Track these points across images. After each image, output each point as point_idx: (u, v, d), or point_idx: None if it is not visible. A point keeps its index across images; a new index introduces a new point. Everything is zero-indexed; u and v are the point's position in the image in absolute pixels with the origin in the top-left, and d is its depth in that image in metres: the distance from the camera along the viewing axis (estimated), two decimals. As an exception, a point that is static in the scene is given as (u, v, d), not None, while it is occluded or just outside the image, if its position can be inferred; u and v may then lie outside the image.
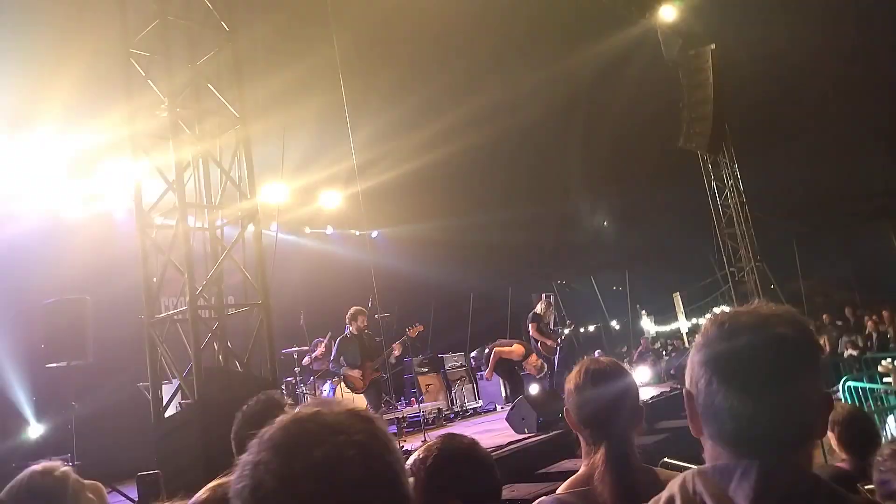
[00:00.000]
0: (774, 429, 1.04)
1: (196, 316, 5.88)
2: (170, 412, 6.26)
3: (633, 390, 1.94)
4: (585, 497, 1.83)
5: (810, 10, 14.23)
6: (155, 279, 6.35)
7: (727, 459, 1.07)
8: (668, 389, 10.27)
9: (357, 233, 15.77)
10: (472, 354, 10.55)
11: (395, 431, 9.47)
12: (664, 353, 14.22)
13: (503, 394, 11.73)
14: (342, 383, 8.44)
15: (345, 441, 0.90)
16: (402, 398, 12.02)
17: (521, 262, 18.28)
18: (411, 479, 1.81)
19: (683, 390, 1.17)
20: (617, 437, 1.85)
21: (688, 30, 13.80)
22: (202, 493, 1.48)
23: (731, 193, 15.19)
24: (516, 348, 8.93)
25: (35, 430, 8.56)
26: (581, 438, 1.92)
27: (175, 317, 6.41)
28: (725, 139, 14.76)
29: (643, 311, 17.61)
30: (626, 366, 2.06)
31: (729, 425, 1.06)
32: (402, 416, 10.30)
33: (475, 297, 16.09)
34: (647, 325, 17.27)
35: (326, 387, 9.75)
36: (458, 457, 1.87)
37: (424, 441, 2.80)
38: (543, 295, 10.34)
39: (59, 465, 2.19)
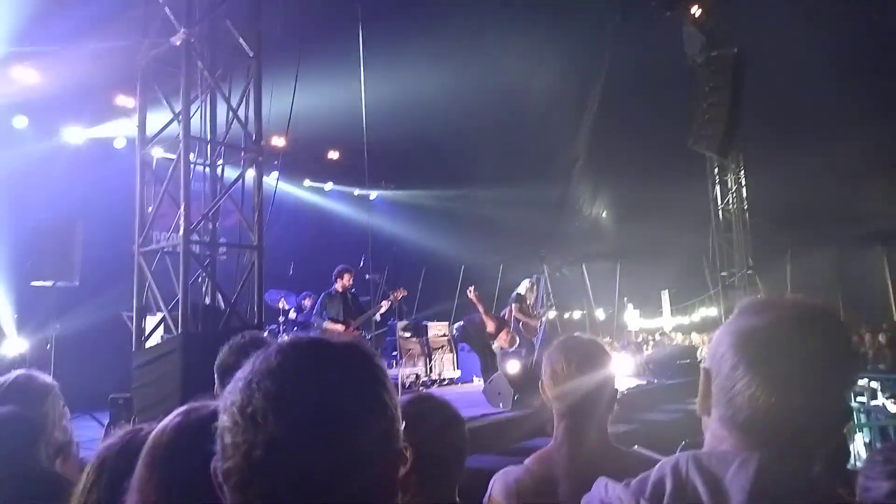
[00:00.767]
0: (791, 426, 1.00)
1: (188, 250, 5.84)
2: (151, 343, 6.26)
3: (609, 372, 1.94)
4: (545, 465, 1.87)
5: (837, 31, 14.13)
6: (150, 209, 6.30)
7: (730, 445, 1.04)
8: (645, 382, 10.37)
9: (356, 192, 15.69)
10: (456, 325, 10.56)
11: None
12: (645, 346, 14.32)
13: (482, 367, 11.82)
14: None
15: (341, 371, 0.88)
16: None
17: (515, 241, 18.27)
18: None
19: (702, 367, 1.13)
20: (583, 413, 1.86)
21: (713, 29, 13.65)
22: (174, 417, 1.45)
23: (733, 198, 15.19)
24: (491, 319, 8.99)
25: (14, 345, 8.55)
26: (555, 414, 1.94)
27: (166, 249, 6.38)
28: (736, 144, 14.71)
29: (630, 304, 17.70)
30: (603, 345, 2.06)
31: (745, 412, 1.02)
32: (380, 378, 10.37)
33: (466, 270, 16.11)
34: (633, 318, 17.37)
35: (307, 339, 9.75)
36: (432, 412, 1.86)
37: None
38: (528, 278, 10.34)
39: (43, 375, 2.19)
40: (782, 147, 15.70)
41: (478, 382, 10.96)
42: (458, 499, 1.81)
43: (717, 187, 15.27)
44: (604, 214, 19.50)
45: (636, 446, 2.21)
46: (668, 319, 16.88)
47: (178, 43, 5.96)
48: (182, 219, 5.76)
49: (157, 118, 6.55)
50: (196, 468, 0.95)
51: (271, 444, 0.80)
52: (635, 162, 17.11)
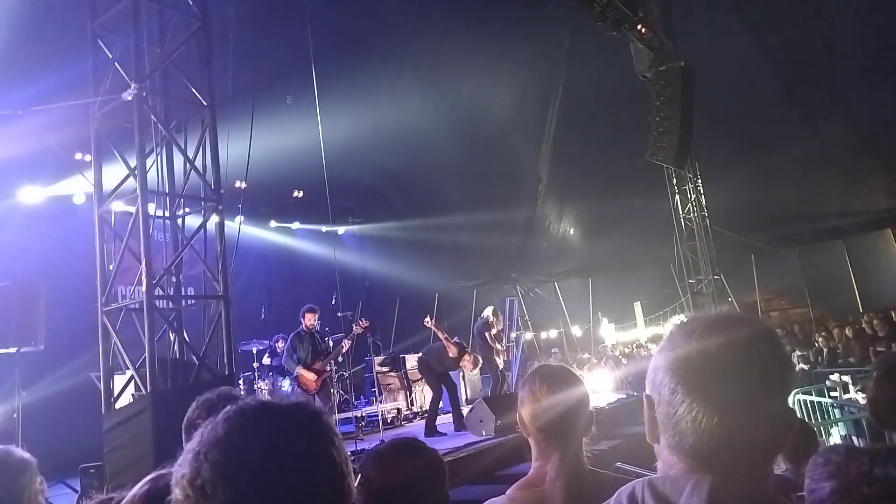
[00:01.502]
0: (738, 445, 0.99)
1: (152, 306, 5.76)
2: (122, 403, 6.12)
3: (585, 397, 1.96)
4: (536, 499, 1.85)
5: (777, 33, 14.66)
6: (111, 266, 6.21)
7: (681, 470, 1.04)
8: (625, 396, 10.42)
9: (324, 229, 15.66)
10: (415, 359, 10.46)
11: (354, 430, 9.42)
12: (622, 360, 14.41)
13: (464, 395, 11.76)
14: (296, 383, 8.38)
15: (287, 435, 0.89)
16: (361, 396, 11.95)
17: (487, 266, 18.36)
18: (358, 478, 1.81)
19: (643, 395, 1.11)
20: (570, 442, 1.87)
21: (659, 45, 14.05)
22: (143, 485, 1.45)
23: (693, 207, 15.50)
24: (453, 345, 8.96)
25: (-21, 416, 8.27)
26: (533, 442, 1.94)
27: (131, 306, 6.27)
28: (690, 154, 15.06)
29: (604, 319, 17.84)
30: (577, 371, 2.09)
31: (690, 437, 1.01)
32: (361, 415, 10.26)
33: (440, 297, 16.11)
34: (608, 332, 17.50)
35: (286, 382, 9.64)
36: (404, 465, 1.86)
37: (382, 441, 2.80)
38: (491, 305, 10.46)
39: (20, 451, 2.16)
40: (737, 153, 16.12)
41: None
42: None
43: (678, 197, 15.56)
44: (571, 232, 19.72)
45: (618, 463, 2.22)
46: (642, 331, 17.03)
47: (129, 98, 5.94)
48: (144, 274, 5.69)
49: (116, 173, 6.49)
50: None
51: None
52: (598, 178, 17.40)
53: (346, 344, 8.75)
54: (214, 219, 6.68)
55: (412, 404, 11.33)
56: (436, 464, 1.90)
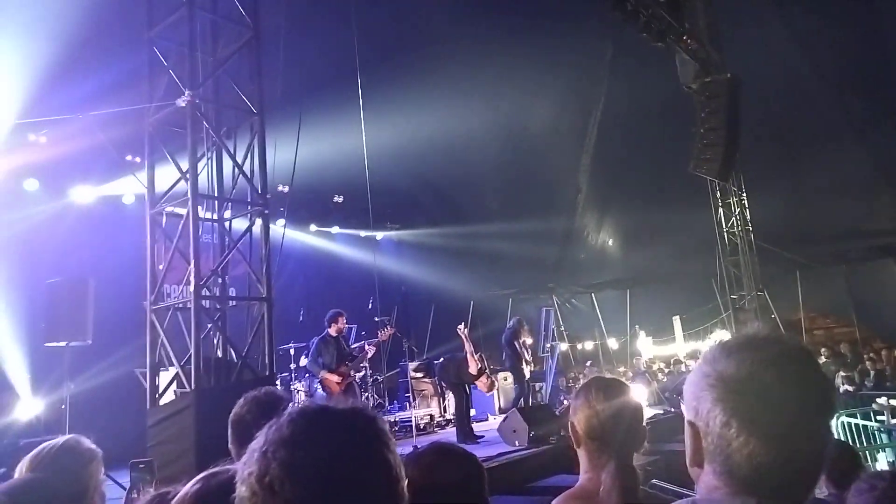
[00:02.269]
0: (788, 470, 1.00)
1: (199, 305, 5.92)
2: (165, 400, 6.29)
3: (639, 408, 1.96)
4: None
5: (826, 44, 14.32)
6: (160, 266, 6.40)
7: (725, 493, 1.04)
8: (661, 412, 10.26)
9: (363, 234, 15.82)
10: (438, 361, 10.49)
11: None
12: (660, 375, 14.20)
13: (497, 405, 11.74)
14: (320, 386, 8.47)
15: (349, 437, 0.95)
16: (394, 401, 12.02)
17: (524, 275, 18.30)
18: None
19: (686, 421, 1.10)
20: (624, 453, 1.86)
21: (705, 56, 13.85)
22: (194, 483, 1.50)
23: (737, 221, 15.20)
24: (476, 361, 8.94)
25: (30, 407, 8.59)
26: (583, 452, 1.92)
27: (177, 305, 6.46)
28: (735, 167, 14.78)
29: (642, 332, 17.59)
30: (627, 383, 2.09)
31: (744, 470, 1.01)
32: (394, 420, 10.31)
33: (475, 305, 16.11)
34: (646, 345, 17.24)
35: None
36: (445, 468, 1.87)
37: (415, 447, 2.83)
38: (516, 317, 10.51)
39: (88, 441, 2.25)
40: (784, 167, 15.78)
41: (492, 420, 10.88)
42: None
43: (721, 210, 15.27)
44: (610, 243, 19.54)
45: (655, 480, 2.20)
46: (681, 345, 16.74)
47: (183, 104, 6.14)
48: (192, 275, 5.85)
49: (167, 175, 6.71)
50: None
51: None
52: (639, 189, 17.23)
53: (371, 350, 8.80)
54: (259, 222, 6.84)
55: (445, 411, 11.33)
56: (475, 469, 1.91)
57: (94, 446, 2.24)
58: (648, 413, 10.05)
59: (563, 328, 17.45)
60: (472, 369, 8.85)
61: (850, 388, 11.59)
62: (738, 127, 13.96)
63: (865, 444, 7.01)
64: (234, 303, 7.15)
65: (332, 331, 8.38)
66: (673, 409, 10.26)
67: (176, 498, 1.59)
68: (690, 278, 17.52)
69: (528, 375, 10.06)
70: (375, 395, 10.85)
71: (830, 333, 16.83)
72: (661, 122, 15.68)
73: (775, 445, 0.99)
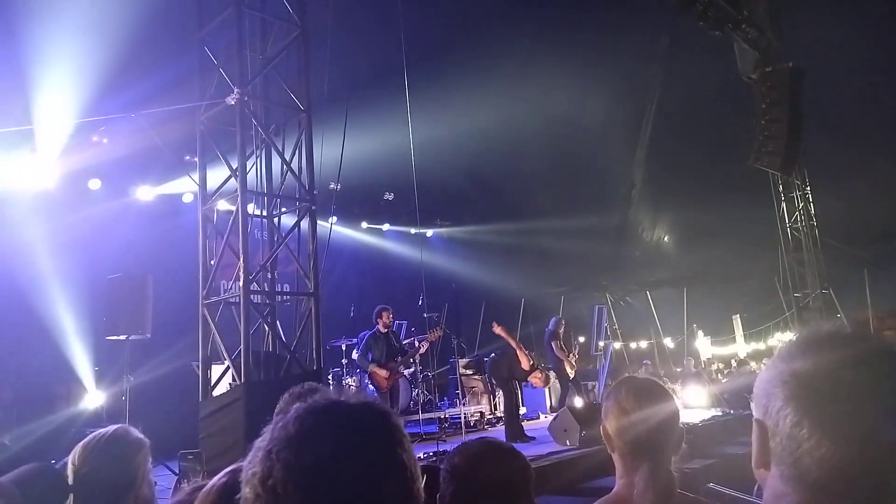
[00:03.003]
0: (868, 485, 0.91)
1: (248, 300, 6.02)
2: (219, 392, 6.43)
3: (675, 412, 1.88)
4: None
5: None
6: (212, 261, 6.54)
7: (794, 502, 0.96)
8: (720, 413, 9.92)
9: (413, 231, 15.88)
10: (487, 358, 10.41)
11: (437, 431, 9.49)
12: (719, 375, 13.75)
13: (548, 403, 11.59)
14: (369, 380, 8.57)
15: (357, 436, 0.88)
16: (444, 398, 12.01)
17: (576, 272, 18.02)
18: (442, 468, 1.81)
19: (754, 419, 1.03)
20: (659, 459, 1.80)
21: (765, 45, 13.31)
22: (221, 476, 1.49)
23: (801, 216, 14.55)
24: (527, 357, 8.83)
25: (94, 399, 8.94)
26: (617, 457, 1.87)
27: (229, 299, 6.59)
28: (798, 160, 14.14)
29: (699, 332, 17.07)
30: (668, 385, 1.99)
31: (815, 473, 0.92)
32: (444, 417, 10.30)
33: (526, 303, 15.95)
34: (704, 345, 16.72)
35: (371, 379, 9.84)
36: (490, 461, 1.83)
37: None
38: (555, 317, 10.43)
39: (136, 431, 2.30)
40: (850, 160, 15.04)
41: (543, 419, 10.75)
42: None
43: (784, 205, 14.64)
44: (665, 239, 19.04)
45: (711, 484, 2.11)
46: (741, 346, 16.17)
47: (232, 102, 6.25)
48: (241, 270, 5.95)
49: (219, 173, 6.85)
50: None
51: None
52: (695, 184, 16.71)
53: (422, 348, 8.87)
54: (307, 218, 6.91)
55: (495, 409, 11.25)
56: (521, 466, 1.87)
57: (142, 436, 2.28)
58: (706, 415, 9.76)
59: (616, 326, 17.10)
60: (525, 364, 8.75)
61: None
62: (800, 118, 13.35)
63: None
64: (284, 298, 7.25)
65: (381, 326, 8.47)
66: (732, 411, 9.91)
67: (205, 489, 1.58)
68: (751, 276, 16.91)
69: (571, 375, 9.93)
70: (426, 392, 10.88)
71: (903, 334, 15.97)
72: (719, 115, 15.17)
73: (851, 450, 0.90)
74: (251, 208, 6.77)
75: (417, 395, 10.45)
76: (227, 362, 6.34)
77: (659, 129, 16.71)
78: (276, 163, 7.04)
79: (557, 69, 14.59)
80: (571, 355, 10.02)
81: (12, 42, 7.75)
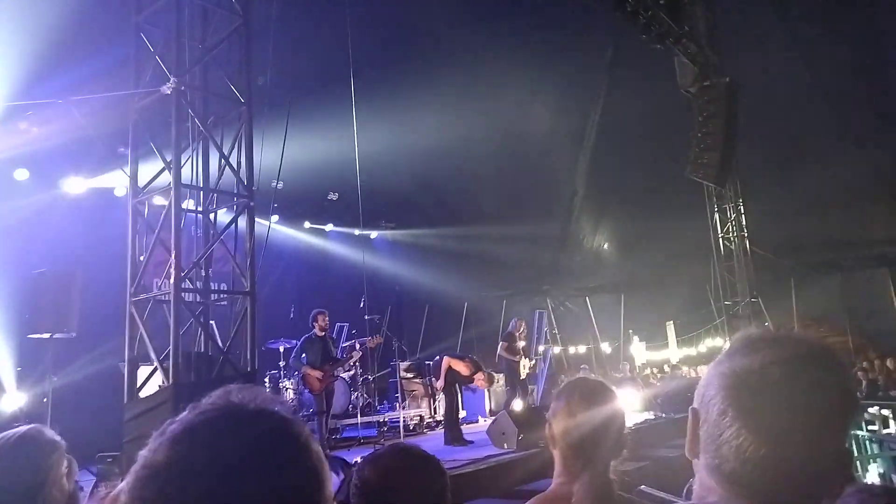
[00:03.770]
0: (784, 480, 0.92)
1: (179, 298, 5.80)
2: (147, 394, 6.17)
3: (621, 416, 1.88)
4: None
5: (826, 51, 14.27)
6: (142, 257, 6.29)
7: (718, 496, 0.97)
8: (653, 417, 10.17)
9: (357, 232, 15.72)
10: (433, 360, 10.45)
11: (375, 435, 9.40)
12: (652, 379, 14.10)
13: (488, 406, 11.65)
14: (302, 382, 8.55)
15: (249, 441, 0.77)
16: (384, 401, 11.92)
17: (518, 277, 18.21)
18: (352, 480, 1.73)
19: (690, 407, 1.04)
20: (600, 462, 1.80)
21: (703, 60, 13.78)
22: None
23: (732, 227, 15.11)
24: (466, 364, 8.92)
25: (12, 400, 8.47)
26: (559, 456, 1.86)
27: (159, 297, 6.34)
28: (732, 172, 14.70)
29: (635, 337, 17.50)
30: (614, 388, 1.99)
31: (732, 463, 0.94)
32: (383, 420, 10.21)
33: (469, 307, 16.01)
34: (639, 350, 17.15)
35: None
36: (401, 470, 1.77)
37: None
38: (514, 318, 10.56)
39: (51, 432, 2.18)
40: (781, 174, 15.71)
41: (483, 422, 10.79)
42: None
43: (717, 216, 15.18)
44: (605, 246, 19.45)
45: (643, 487, 2.13)
46: (674, 351, 16.65)
47: (168, 92, 6.02)
48: (173, 267, 5.74)
49: (154, 166, 6.59)
50: None
51: None
52: (636, 193, 17.14)
53: (357, 355, 8.87)
54: (245, 215, 6.73)
55: (435, 412, 11.23)
56: (434, 472, 1.78)
57: (56, 437, 2.15)
58: (639, 418, 9.99)
59: (556, 331, 17.35)
60: (465, 372, 8.83)
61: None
62: (735, 132, 13.89)
63: (856, 454, 6.92)
64: (219, 297, 7.04)
65: (317, 329, 8.40)
66: (664, 415, 10.17)
67: (112, 494, 1.49)
68: (685, 284, 17.44)
69: (523, 375, 10.04)
70: (365, 395, 10.76)
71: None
72: (659, 126, 15.60)
73: (770, 444, 0.91)
74: (187, 203, 6.54)
75: (357, 398, 10.33)
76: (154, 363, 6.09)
77: (601, 139, 17.06)
78: (214, 157, 6.82)
79: (505, 76, 14.74)
80: (524, 357, 10.13)
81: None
